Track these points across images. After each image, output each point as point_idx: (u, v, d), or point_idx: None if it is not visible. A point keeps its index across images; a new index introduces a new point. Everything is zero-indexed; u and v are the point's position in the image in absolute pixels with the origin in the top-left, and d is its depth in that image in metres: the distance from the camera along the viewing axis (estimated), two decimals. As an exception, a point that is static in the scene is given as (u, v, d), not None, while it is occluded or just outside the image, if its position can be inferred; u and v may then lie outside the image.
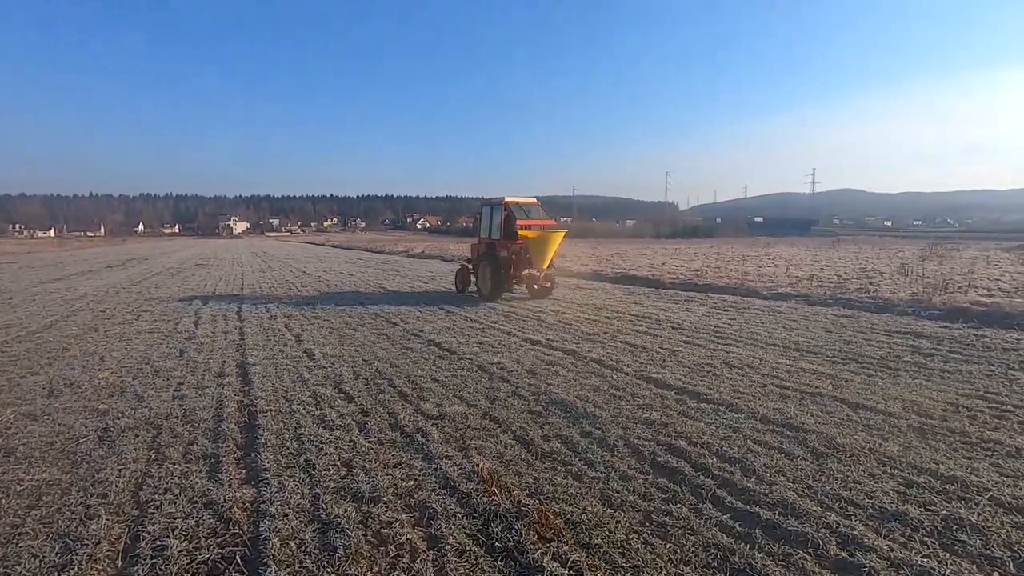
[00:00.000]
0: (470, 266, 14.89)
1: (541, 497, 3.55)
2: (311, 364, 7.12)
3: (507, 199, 13.76)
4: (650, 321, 10.41)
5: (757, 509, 3.41)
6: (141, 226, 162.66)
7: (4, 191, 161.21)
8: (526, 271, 13.40)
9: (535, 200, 14.56)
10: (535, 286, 13.72)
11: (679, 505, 3.49)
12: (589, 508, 3.43)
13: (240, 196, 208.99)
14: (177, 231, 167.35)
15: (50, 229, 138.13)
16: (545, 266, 13.38)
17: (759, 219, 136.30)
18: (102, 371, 6.83)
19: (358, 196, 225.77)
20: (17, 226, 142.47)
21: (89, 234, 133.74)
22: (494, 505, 3.38)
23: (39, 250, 57.45)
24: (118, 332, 9.55)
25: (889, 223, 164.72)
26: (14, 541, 3.11)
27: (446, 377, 6.50)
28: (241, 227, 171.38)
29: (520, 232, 13.03)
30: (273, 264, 29.56)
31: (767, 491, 3.62)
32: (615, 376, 6.51)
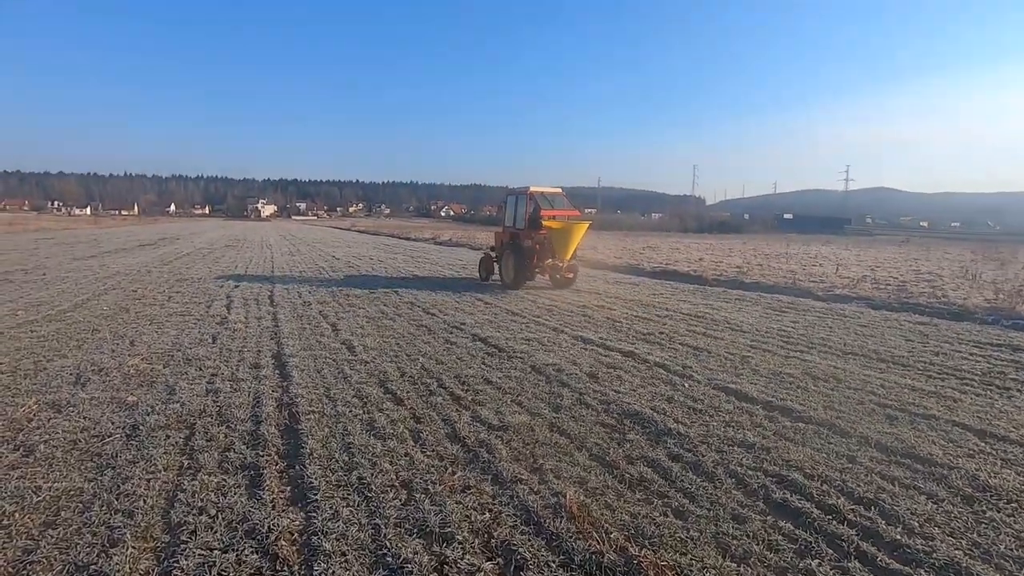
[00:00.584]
0: (494, 255, 14.79)
1: (646, 542, 2.92)
2: (352, 358, 6.58)
3: (532, 189, 13.64)
4: (705, 321, 9.66)
5: (923, 574, 2.72)
6: (173, 206, 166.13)
7: (44, 169, 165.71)
8: (549, 261, 13.29)
9: (560, 190, 14.40)
10: (558, 276, 13.61)
11: (818, 561, 2.83)
12: (708, 560, 2.79)
13: (268, 179, 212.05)
14: (207, 212, 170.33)
15: (87, 207, 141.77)
16: (568, 257, 13.28)
17: (788, 216, 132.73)
18: (132, 357, 6.40)
19: (383, 182, 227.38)
20: (55, 203, 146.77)
21: (124, 213, 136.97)
22: (595, 553, 2.76)
23: (75, 227, 58.65)
24: (149, 314, 9.19)
25: (926, 223, 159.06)
26: (23, 572, 2.60)
27: (499, 379, 5.90)
28: (269, 210, 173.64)
29: (544, 222, 12.94)
30: (301, 248, 29.38)
31: (926, 547, 2.93)
32: (687, 385, 5.83)
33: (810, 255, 28.85)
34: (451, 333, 8.22)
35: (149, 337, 7.51)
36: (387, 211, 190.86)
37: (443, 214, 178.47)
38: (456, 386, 5.59)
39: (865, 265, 22.53)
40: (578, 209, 14.90)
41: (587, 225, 13.51)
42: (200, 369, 5.98)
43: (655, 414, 4.86)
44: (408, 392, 5.34)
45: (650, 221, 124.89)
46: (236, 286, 12.97)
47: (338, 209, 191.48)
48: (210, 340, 7.38)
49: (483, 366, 6.40)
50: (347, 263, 20.08)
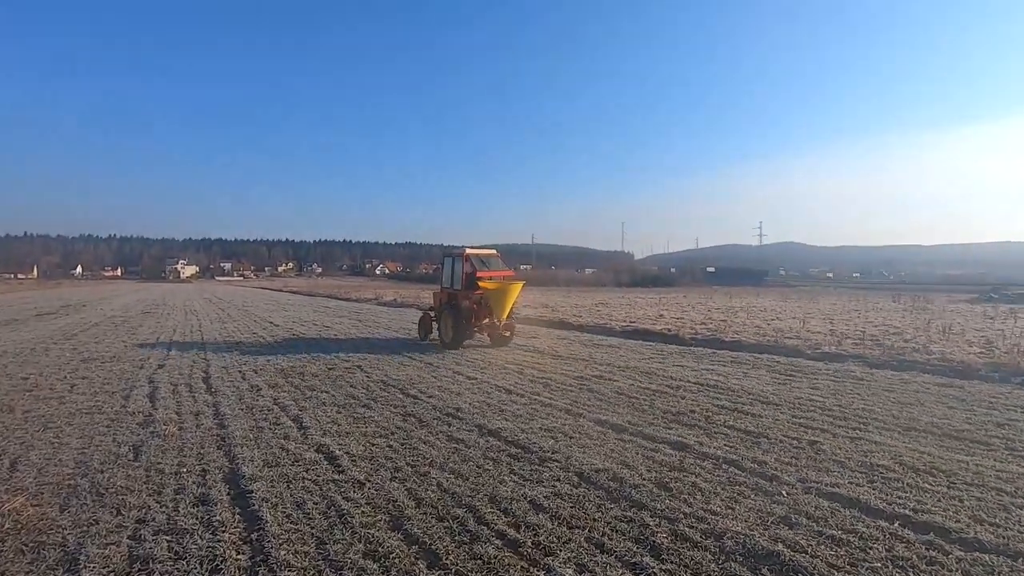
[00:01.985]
0: (432, 314, 15.03)
1: None
2: (338, 477, 4.90)
3: (468, 251, 14.10)
4: (727, 392, 8.63)
5: None
6: (80, 268, 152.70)
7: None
8: (486, 320, 13.61)
9: (495, 252, 14.83)
10: (496, 335, 13.89)
11: None
12: None
13: (190, 239, 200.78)
14: (119, 274, 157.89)
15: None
16: (505, 316, 13.65)
17: (711, 269, 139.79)
18: (10, 495, 4.41)
19: (315, 241, 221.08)
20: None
21: (19, 276, 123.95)
22: None
23: (-42, 293, 51.68)
24: (42, 414, 7.02)
25: (831, 274, 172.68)
26: None
27: (549, 499, 4.43)
28: (190, 271, 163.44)
29: (480, 283, 13.32)
30: (232, 312, 26.59)
31: None
32: (783, 493, 4.60)
33: (760, 307, 29.27)
34: (449, 424, 6.67)
35: (41, 453, 5.48)
36: (319, 270, 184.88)
37: (378, 272, 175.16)
38: (499, 519, 4.07)
39: (818, 317, 22.88)
40: (513, 268, 15.29)
41: (521, 285, 13.90)
42: (118, 513, 4.12)
43: (790, 551, 3.57)
44: (441, 538, 3.76)
45: (584, 276, 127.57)
46: (160, 365, 10.75)
47: (267, 269, 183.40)
48: (130, 455, 5.44)
49: (516, 479, 4.90)
50: (289, 330, 17.92)
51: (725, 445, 5.88)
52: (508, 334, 13.98)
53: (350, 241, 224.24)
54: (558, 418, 6.99)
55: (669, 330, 17.40)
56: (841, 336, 15.22)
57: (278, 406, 7.49)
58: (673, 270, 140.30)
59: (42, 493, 4.51)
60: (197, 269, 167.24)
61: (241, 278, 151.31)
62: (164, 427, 6.37)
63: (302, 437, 6.07)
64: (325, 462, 5.28)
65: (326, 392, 8.47)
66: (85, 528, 3.87)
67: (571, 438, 6.12)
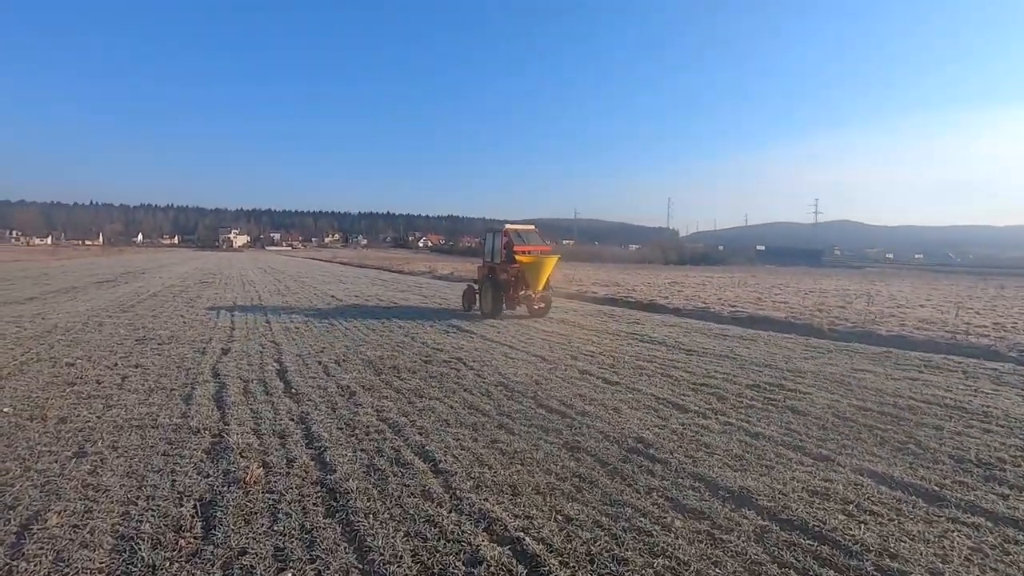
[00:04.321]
0: (476, 287, 15.38)
1: None
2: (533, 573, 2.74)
3: (507, 226, 14.74)
4: (1004, 426, 6.08)
5: None
6: (140, 236, 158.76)
7: (3, 197, 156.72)
8: (523, 292, 14.03)
9: (533, 227, 15.34)
10: (533, 307, 14.34)
11: None
12: None
13: (241, 209, 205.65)
14: (176, 242, 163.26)
15: (47, 237, 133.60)
16: (540, 288, 14.01)
17: (761, 248, 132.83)
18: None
19: (359, 213, 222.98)
20: (14, 232, 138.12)
21: (87, 243, 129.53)
22: None
23: (28, 259, 53.16)
24: (80, 426, 5.18)
25: (891, 255, 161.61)
26: None
27: None
28: (241, 240, 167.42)
29: (517, 257, 13.79)
30: (290, 284, 25.22)
31: None
32: None
33: (858, 291, 25.74)
34: (653, 473, 4.43)
35: (64, 514, 3.55)
36: (364, 242, 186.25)
37: (421, 245, 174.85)
38: None
39: (944, 303, 19.49)
40: (552, 243, 16.19)
41: (556, 259, 14.42)
42: None
43: None
44: None
45: (629, 252, 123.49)
46: (225, 350, 8.97)
47: (313, 240, 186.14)
48: (198, 525, 3.44)
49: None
50: (354, 306, 16.15)
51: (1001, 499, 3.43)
52: (544, 306, 14.39)
53: (393, 214, 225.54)
54: (748, 443, 4.66)
55: (795, 318, 14.68)
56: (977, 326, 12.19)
57: (388, 425, 5.42)
58: (721, 248, 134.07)
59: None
60: (248, 239, 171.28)
61: (290, 248, 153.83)
62: (242, 462, 4.38)
63: (448, 495, 3.94)
64: (486, 541, 3.14)
65: (437, 400, 6.39)
66: None
67: (745, 461, 3.79)
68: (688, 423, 5.78)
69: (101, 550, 3.11)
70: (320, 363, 8.29)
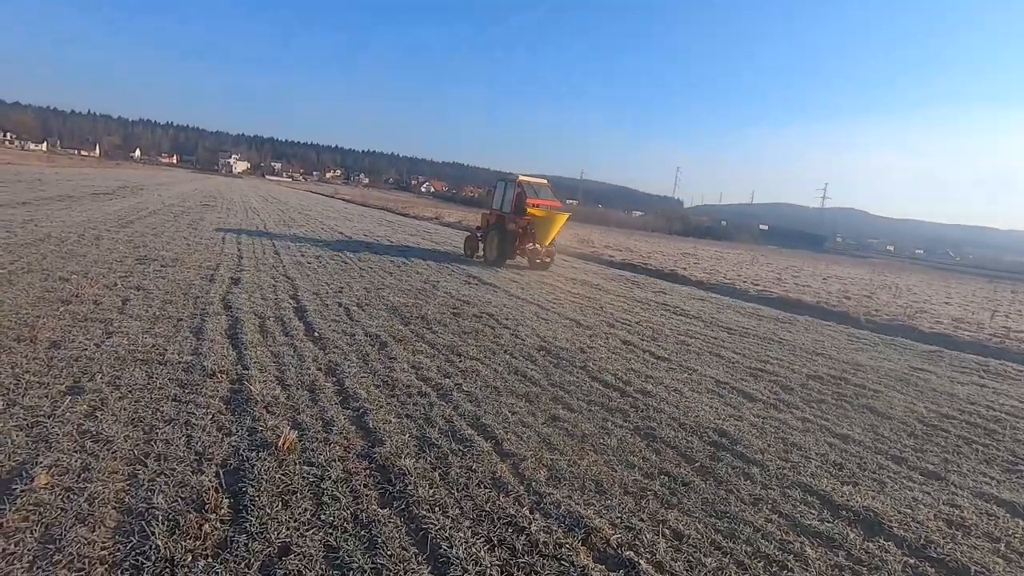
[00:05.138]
0: (479, 234, 15.36)
1: None
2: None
3: (521, 177, 14.52)
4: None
5: None
6: (138, 152, 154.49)
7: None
8: (529, 245, 14.08)
9: (546, 182, 15.17)
10: (536, 260, 14.38)
11: None
12: None
13: (243, 134, 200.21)
14: (175, 161, 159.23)
15: (43, 142, 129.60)
16: (548, 242, 14.11)
17: (764, 226, 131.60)
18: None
19: (363, 151, 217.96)
20: (7, 135, 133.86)
21: (83, 153, 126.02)
22: None
23: (22, 163, 51.42)
24: (76, 354, 4.44)
25: (891, 247, 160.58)
26: None
27: None
28: (241, 166, 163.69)
29: (529, 209, 13.69)
30: (295, 217, 24.21)
31: None
32: None
33: (870, 282, 25.05)
34: (746, 477, 3.78)
35: (60, 463, 2.85)
36: (366, 180, 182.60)
37: (423, 189, 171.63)
38: None
39: (963, 302, 18.87)
40: (560, 200, 15.87)
41: (567, 216, 14.30)
42: None
43: None
44: None
45: (633, 219, 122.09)
46: (234, 280, 8.19)
47: (314, 173, 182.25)
48: (226, 505, 2.75)
49: None
50: (364, 244, 15.32)
51: None
52: (548, 260, 14.54)
53: (397, 155, 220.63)
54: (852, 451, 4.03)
55: (827, 304, 14.01)
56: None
57: (431, 388, 4.71)
58: (724, 223, 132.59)
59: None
60: (248, 165, 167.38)
61: (290, 179, 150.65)
62: (269, 420, 3.66)
63: (523, 487, 3.25)
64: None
65: (478, 361, 5.68)
66: None
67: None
68: (763, 415, 5.12)
69: (102, 529, 2.42)
70: (340, 304, 7.54)
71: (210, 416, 3.64)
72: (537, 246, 14.07)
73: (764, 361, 7.36)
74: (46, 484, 2.69)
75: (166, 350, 4.83)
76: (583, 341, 7.19)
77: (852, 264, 48.45)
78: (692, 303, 12.24)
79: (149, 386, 4.02)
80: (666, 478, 3.60)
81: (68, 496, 2.63)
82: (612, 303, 10.79)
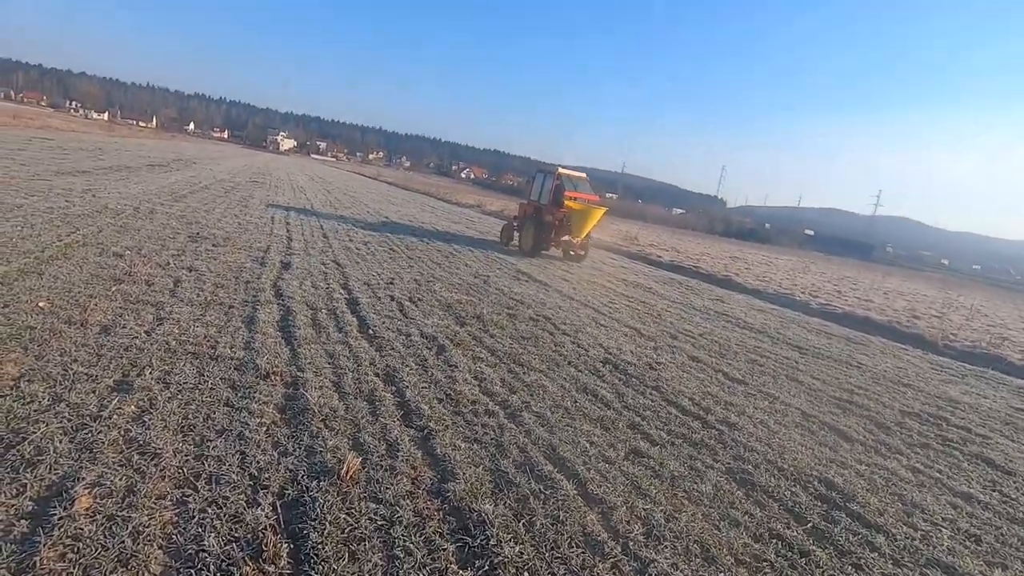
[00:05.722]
0: (516, 223, 15.49)
1: None
2: None
3: (560, 170, 14.50)
4: None
5: None
6: (192, 125, 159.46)
7: (67, 66, 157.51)
8: (565, 237, 14.12)
9: (585, 176, 15.19)
10: (571, 252, 14.57)
11: None
12: None
13: (291, 112, 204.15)
14: (226, 136, 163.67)
15: (105, 112, 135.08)
16: (583, 236, 14.08)
17: (810, 232, 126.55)
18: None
19: (405, 134, 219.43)
20: (73, 103, 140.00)
21: (141, 124, 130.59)
22: None
23: (85, 130, 53.35)
24: (126, 343, 4.17)
25: (946, 261, 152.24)
26: None
27: None
28: (288, 144, 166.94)
29: (567, 202, 13.74)
30: (341, 198, 24.20)
31: None
32: None
33: (934, 299, 23.43)
34: (876, 551, 3.21)
35: (103, 481, 2.53)
36: (407, 164, 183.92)
37: (463, 176, 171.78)
38: None
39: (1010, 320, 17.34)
40: (599, 195, 15.67)
41: (603, 211, 14.16)
42: None
43: None
44: None
45: (673, 216, 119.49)
46: (285, 264, 7.94)
47: (358, 154, 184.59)
48: (278, 540, 2.37)
49: None
50: (410, 230, 15.00)
51: None
52: (583, 253, 14.58)
53: (439, 140, 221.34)
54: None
55: (899, 324, 12.99)
56: None
57: (497, 404, 4.28)
58: (768, 226, 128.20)
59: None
60: (295, 143, 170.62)
61: (334, 159, 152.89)
62: (329, 438, 3.29)
63: (619, 547, 2.77)
64: None
65: (542, 374, 5.22)
66: None
67: None
68: (867, 462, 4.50)
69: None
70: (392, 298, 7.18)
71: (264, 429, 3.28)
72: (572, 239, 14.10)
73: (848, 390, 6.67)
74: (87, 508, 2.36)
75: (217, 342, 4.52)
76: (649, 355, 6.65)
77: (908, 277, 45.94)
78: (753, 315, 11.50)
79: (200, 386, 3.70)
80: (779, 543, 3.06)
81: (110, 528, 2.28)
82: (669, 310, 10.17)
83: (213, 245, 8.44)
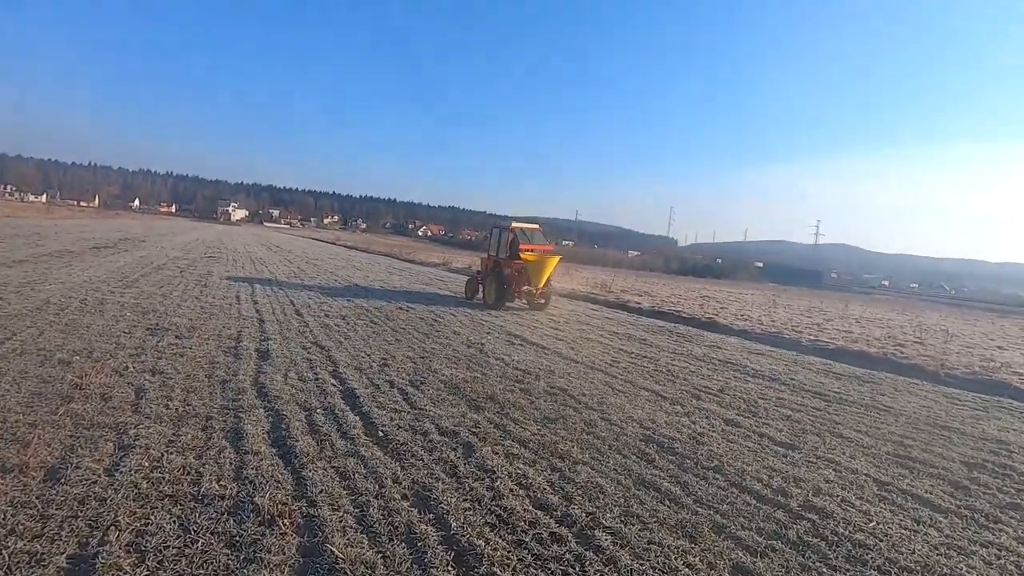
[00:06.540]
0: (479, 277, 15.95)
1: None
2: None
3: (514, 224, 15.35)
4: None
5: None
6: (137, 201, 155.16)
7: (1, 150, 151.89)
8: (525, 287, 14.68)
9: (538, 227, 16.10)
10: (534, 301, 14.97)
11: None
12: None
13: (241, 183, 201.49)
14: (174, 211, 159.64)
15: (43, 194, 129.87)
16: (541, 285, 14.61)
17: (759, 264, 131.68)
18: None
19: (360, 196, 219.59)
20: (8, 187, 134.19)
21: (82, 204, 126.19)
22: None
23: (22, 214, 50.62)
24: (80, 486, 3.23)
25: (887, 282, 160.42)
26: None
27: None
28: (240, 214, 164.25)
29: (522, 254, 14.32)
30: (303, 267, 23.19)
31: None
32: None
33: (901, 323, 23.98)
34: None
35: None
36: (364, 225, 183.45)
37: (420, 233, 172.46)
38: None
39: (1013, 347, 17.74)
40: (554, 243, 16.58)
41: (558, 259, 14.92)
42: None
43: None
44: None
45: (629, 258, 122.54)
46: (263, 354, 7.01)
47: (312, 220, 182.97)
48: None
49: None
50: (385, 298, 14.17)
51: None
52: (544, 301, 15.01)
53: (394, 200, 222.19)
54: None
55: (894, 355, 12.86)
56: None
57: (558, 521, 3.51)
58: (719, 260, 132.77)
59: None
60: (247, 213, 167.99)
61: (288, 226, 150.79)
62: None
63: None
64: None
65: (590, 467, 4.49)
66: None
67: None
68: (983, 543, 3.90)
69: None
70: (391, 384, 6.35)
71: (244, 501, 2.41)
72: (532, 288, 14.65)
73: (897, 443, 6.17)
74: None
75: (200, 474, 3.62)
76: (684, 424, 6.01)
77: (865, 302, 47.51)
78: (754, 359, 11.11)
79: (186, 551, 2.80)
80: None
81: None
82: (674, 364, 9.65)
83: (176, 337, 7.45)
